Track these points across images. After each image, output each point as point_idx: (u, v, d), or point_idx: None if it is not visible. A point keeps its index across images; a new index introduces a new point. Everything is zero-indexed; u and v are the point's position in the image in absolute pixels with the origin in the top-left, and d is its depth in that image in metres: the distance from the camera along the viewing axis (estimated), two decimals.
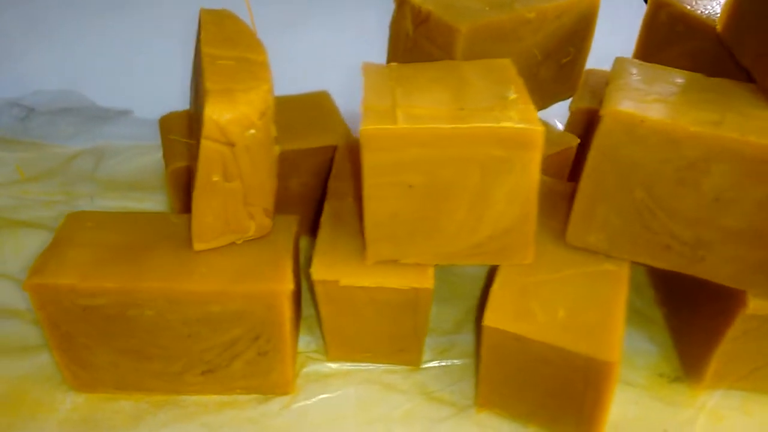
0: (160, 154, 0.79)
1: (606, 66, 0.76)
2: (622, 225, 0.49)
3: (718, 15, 0.57)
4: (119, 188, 0.75)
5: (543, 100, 0.69)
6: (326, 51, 1.00)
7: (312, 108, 0.70)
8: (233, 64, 0.49)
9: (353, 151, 0.61)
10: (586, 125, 0.68)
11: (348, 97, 0.75)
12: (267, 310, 0.49)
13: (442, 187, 0.45)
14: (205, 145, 0.45)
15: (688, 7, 0.61)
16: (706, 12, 0.60)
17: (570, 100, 0.72)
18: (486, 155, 0.43)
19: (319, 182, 0.66)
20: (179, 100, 0.86)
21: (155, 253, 0.50)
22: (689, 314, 0.57)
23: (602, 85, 0.74)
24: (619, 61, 0.51)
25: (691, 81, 0.49)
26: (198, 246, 0.50)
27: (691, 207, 0.46)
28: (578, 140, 0.66)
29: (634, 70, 0.49)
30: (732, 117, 0.44)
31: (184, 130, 0.66)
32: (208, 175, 0.47)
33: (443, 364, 0.58)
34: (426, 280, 0.50)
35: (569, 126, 0.73)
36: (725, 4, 0.54)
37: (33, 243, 0.69)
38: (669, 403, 0.56)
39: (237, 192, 0.49)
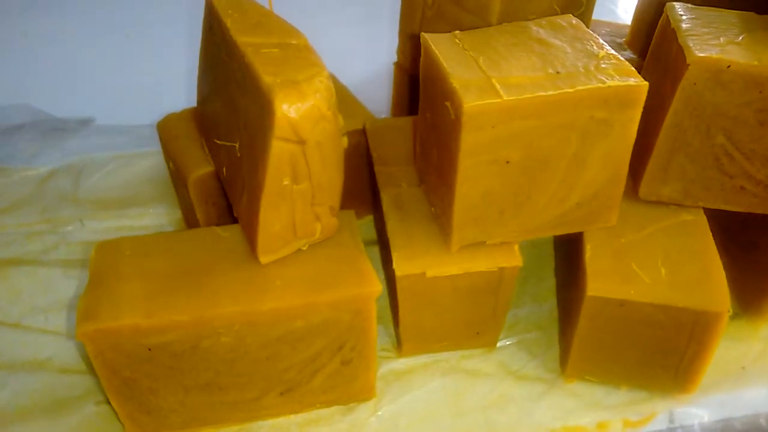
0: (147, 163, 0.72)
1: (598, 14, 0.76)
2: (699, 172, 0.48)
3: None
4: (110, 206, 0.67)
5: None
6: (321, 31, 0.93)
7: None
8: (279, 52, 0.43)
9: (382, 132, 0.58)
10: None
11: (352, 78, 0.71)
12: (354, 317, 0.45)
13: (538, 159, 0.42)
14: (277, 146, 0.40)
15: None
16: None
17: None
18: (588, 118, 0.41)
19: (351, 170, 0.61)
20: (146, 102, 0.79)
21: (218, 274, 0.45)
22: (747, 255, 0.58)
23: (605, 35, 0.73)
24: (670, 7, 0.49)
25: (748, 20, 0.48)
26: (265, 259, 0.45)
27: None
28: None
29: (692, 15, 0.48)
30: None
31: (191, 133, 0.59)
32: (278, 180, 0.42)
33: (516, 340, 0.57)
34: (513, 258, 0.47)
35: None
36: None
37: (29, 283, 0.60)
38: (737, 340, 0.57)
39: (306, 193, 0.44)
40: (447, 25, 0.58)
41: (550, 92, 0.39)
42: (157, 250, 0.47)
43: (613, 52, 0.42)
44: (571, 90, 0.39)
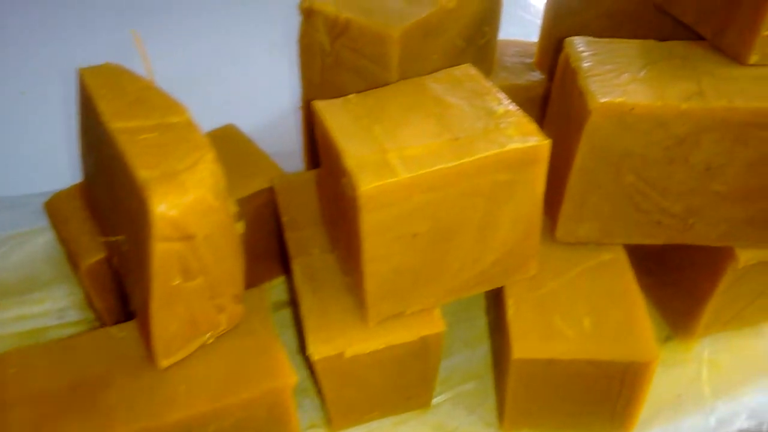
0: (39, 240, 0.66)
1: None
2: (614, 211, 0.47)
3: None
4: (6, 293, 0.62)
5: None
6: (219, 75, 0.87)
7: (224, 147, 0.61)
8: (157, 136, 0.40)
9: (292, 190, 0.54)
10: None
11: (256, 126, 0.67)
12: (270, 411, 0.42)
13: (446, 228, 0.40)
14: (159, 248, 0.36)
15: None
16: None
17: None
18: (491, 183, 0.39)
19: (261, 231, 0.58)
20: (38, 168, 0.73)
21: (115, 386, 0.41)
22: (673, 276, 0.57)
23: (512, 56, 0.72)
24: (569, 43, 0.48)
25: (649, 51, 0.47)
26: (164, 363, 0.41)
27: (681, 181, 0.45)
28: None
29: (592, 50, 0.46)
30: (709, 83, 0.43)
31: (81, 213, 0.54)
32: (165, 282, 0.38)
33: (451, 394, 0.54)
34: (435, 324, 0.45)
35: None
36: None
37: None
38: (670, 365, 0.56)
39: (202, 289, 0.40)
40: (347, 72, 0.55)
41: (450, 164, 0.36)
42: (45, 364, 0.42)
43: (512, 107, 0.40)
44: (471, 159, 0.37)
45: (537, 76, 0.68)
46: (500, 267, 0.45)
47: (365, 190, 0.35)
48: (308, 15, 0.54)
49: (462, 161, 0.36)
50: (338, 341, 0.43)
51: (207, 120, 0.62)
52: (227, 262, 0.40)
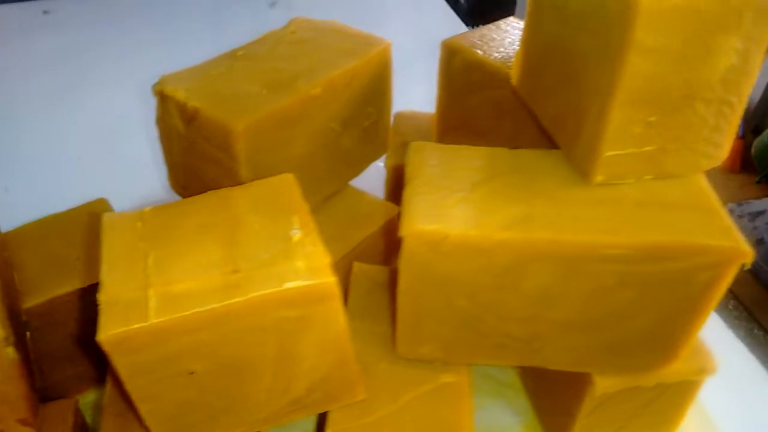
0: None
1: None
2: (453, 333, 0.44)
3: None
4: None
5: (352, 168, 0.62)
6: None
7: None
8: None
9: None
10: None
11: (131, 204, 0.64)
12: None
13: (233, 363, 0.36)
14: None
15: (481, 53, 0.56)
16: (501, 57, 0.56)
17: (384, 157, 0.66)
18: (277, 319, 0.35)
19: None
20: None
21: None
22: (545, 389, 0.54)
23: (414, 132, 0.69)
24: (414, 149, 0.44)
25: (494, 161, 0.43)
26: None
27: (517, 308, 0.41)
28: (398, 208, 0.60)
29: (433, 160, 0.43)
30: (541, 206, 0.40)
31: None
32: None
33: None
34: None
35: (390, 183, 0.68)
36: (517, 56, 0.50)
37: None
38: None
39: None
40: (200, 158, 0.52)
41: (211, 305, 0.33)
42: None
43: (311, 235, 0.37)
44: (239, 300, 0.33)
45: None
46: (319, 393, 0.41)
47: (107, 336, 0.31)
48: (161, 99, 0.52)
49: (226, 303, 0.33)
50: None
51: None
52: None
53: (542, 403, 0.55)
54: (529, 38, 0.47)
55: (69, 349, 0.52)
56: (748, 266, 0.38)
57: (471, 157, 0.44)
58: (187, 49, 1.09)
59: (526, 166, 0.43)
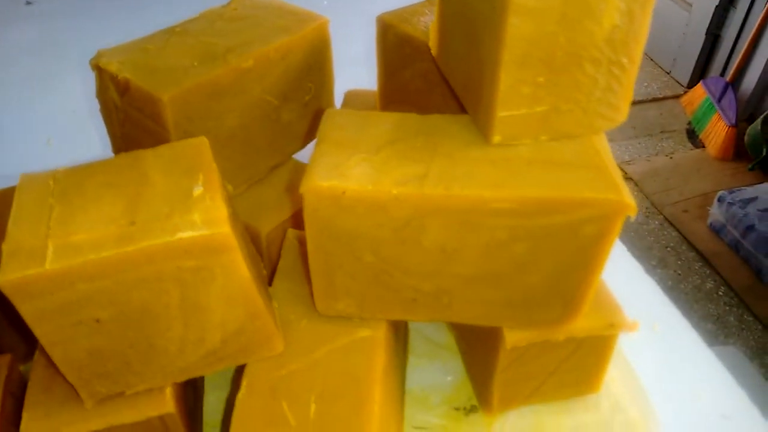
0: None
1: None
2: (365, 288, 0.46)
3: None
4: None
5: (295, 142, 0.65)
6: None
7: None
8: None
9: None
10: None
11: None
12: None
13: (138, 312, 0.39)
14: None
15: (410, 28, 0.58)
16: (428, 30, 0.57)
17: None
18: (175, 269, 0.38)
19: None
20: None
21: None
22: (472, 347, 0.56)
23: (363, 108, 0.70)
24: (327, 114, 0.47)
25: (402, 125, 0.45)
26: None
27: (420, 262, 0.43)
28: None
29: (342, 125, 0.45)
30: (439, 165, 0.42)
31: None
32: None
33: None
34: (164, 405, 0.43)
35: None
36: (432, 26, 0.52)
37: None
38: None
39: None
40: (136, 129, 0.55)
41: (104, 253, 0.35)
42: None
43: (212, 191, 0.39)
44: (131, 248, 0.36)
45: None
46: (235, 346, 0.44)
47: (5, 281, 0.34)
48: (99, 72, 0.54)
49: (119, 251, 0.35)
50: (54, 420, 0.42)
51: None
52: None
53: (470, 362, 0.57)
54: (441, 7, 0.49)
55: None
56: (633, 218, 0.40)
57: (381, 122, 0.46)
58: None
59: (433, 129, 0.45)
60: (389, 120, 0.46)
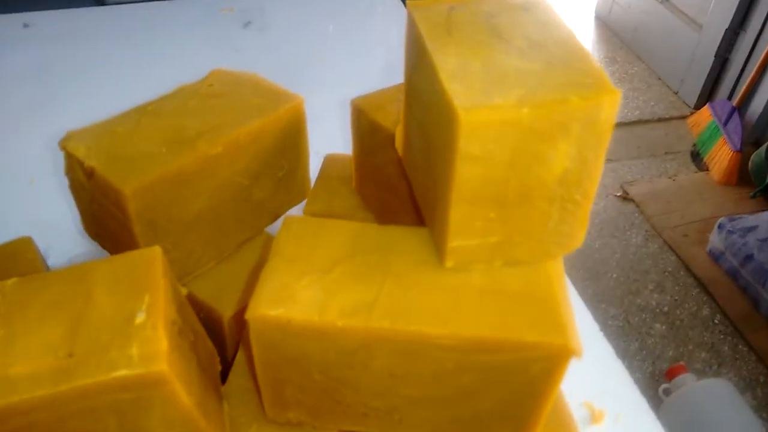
0: None
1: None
2: (315, 402, 0.46)
3: None
4: None
5: (267, 217, 0.64)
6: None
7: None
8: None
9: None
10: None
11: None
12: None
13: None
14: None
15: (381, 117, 0.57)
16: None
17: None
18: (113, 401, 0.38)
19: None
20: None
21: None
22: None
23: (341, 174, 0.70)
24: (286, 222, 0.46)
25: (359, 238, 0.45)
26: None
27: (370, 384, 0.43)
28: None
29: (299, 234, 0.45)
30: (388, 291, 0.41)
31: None
32: None
33: None
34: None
35: None
36: (398, 126, 0.51)
37: None
38: None
39: None
40: (102, 210, 0.54)
41: (39, 392, 0.35)
42: None
43: (154, 317, 0.39)
44: (65, 387, 0.36)
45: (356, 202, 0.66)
46: None
47: None
48: (66, 154, 0.54)
49: (54, 390, 0.35)
50: None
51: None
52: None
53: None
54: (406, 114, 0.48)
55: None
56: (579, 359, 0.39)
57: (338, 233, 0.46)
58: (164, 64, 1.12)
59: (389, 244, 0.45)
60: (346, 232, 0.46)
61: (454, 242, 0.41)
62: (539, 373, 0.40)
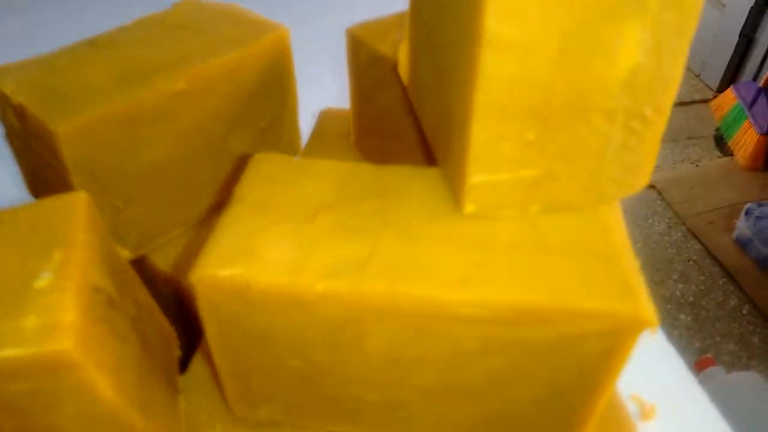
0: None
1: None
2: (292, 394, 0.35)
3: None
4: None
5: None
6: None
7: None
8: None
9: None
10: None
11: None
12: None
13: None
14: None
15: (385, 47, 0.46)
16: None
17: None
18: (4, 393, 0.27)
19: None
20: None
21: None
22: None
23: (340, 132, 0.59)
24: (253, 162, 0.36)
25: (350, 181, 0.34)
26: None
27: (365, 371, 0.32)
28: None
29: (271, 176, 0.34)
30: (387, 244, 0.30)
31: None
32: None
33: None
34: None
35: None
36: (402, 49, 0.40)
37: None
38: None
39: None
40: (39, 161, 0.44)
41: None
42: None
43: (63, 279, 0.28)
44: None
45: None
46: None
47: None
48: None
49: None
50: None
51: None
52: None
53: None
54: (411, 27, 0.37)
55: None
56: (654, 333, 0.28)
57: (323, 174, 0.35)
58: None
59: (389, 187, 0.34)
60: (334, 171, 0.35)
61: (476, 177, 0.30)
62: (596, 353, 0.29)
